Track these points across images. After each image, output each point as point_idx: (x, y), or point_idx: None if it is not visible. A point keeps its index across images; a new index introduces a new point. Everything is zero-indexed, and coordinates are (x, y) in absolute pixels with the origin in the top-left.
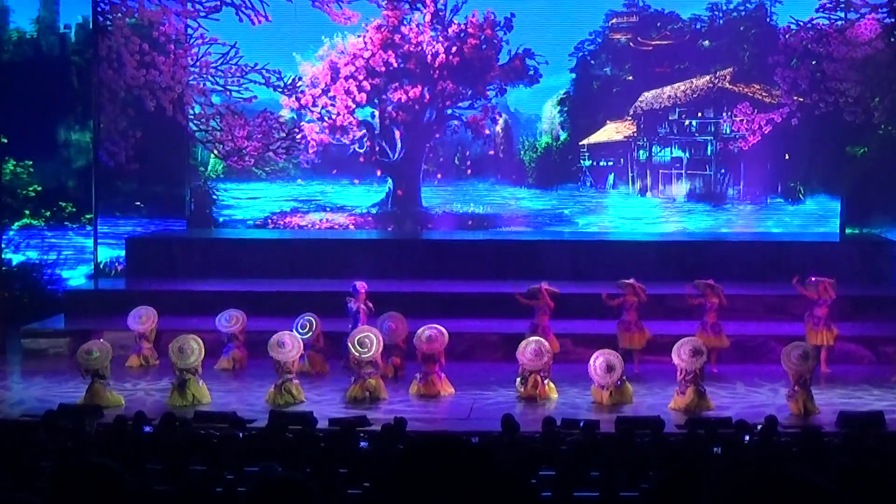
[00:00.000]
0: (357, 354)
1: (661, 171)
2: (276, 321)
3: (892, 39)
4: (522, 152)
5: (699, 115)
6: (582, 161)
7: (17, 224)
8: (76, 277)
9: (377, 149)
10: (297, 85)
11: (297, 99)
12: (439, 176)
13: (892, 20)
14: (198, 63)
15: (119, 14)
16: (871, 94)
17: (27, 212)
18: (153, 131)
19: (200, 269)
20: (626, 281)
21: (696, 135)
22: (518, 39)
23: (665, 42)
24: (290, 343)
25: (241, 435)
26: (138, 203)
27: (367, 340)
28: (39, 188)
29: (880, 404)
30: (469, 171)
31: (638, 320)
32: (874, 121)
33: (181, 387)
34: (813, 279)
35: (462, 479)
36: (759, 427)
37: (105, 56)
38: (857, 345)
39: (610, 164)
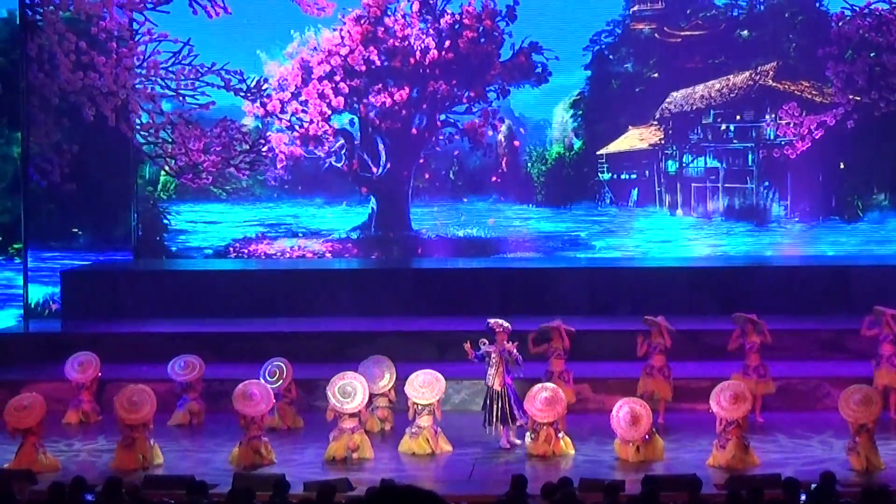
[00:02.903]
0: (338, 405)
1: (693, 184)
2: (240, 368)
3: None
4: (529, 164)
5: (738, 118)
6: (600, 174)
7: None
8: (3, 319)
9: (358, 162)
10: (263, 88)
11: (263, 104)
12: (430, 193)
13: None
14: (145, 64)
15: (51, 7)
16: None
17: None
18: (93, 145)
19: (150, 307)
20: (653, 319)
21: (735, 141)
22: (523, 31)
23: (696, 32)
24: (260, 394)
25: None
26: (76, 230)
27: (351, 388)
28: None
29: None
30: (467, 188)
31: (665, 366)
32: None
33: (129, 446)
34: (875, 313)
35: None
36: (813, 486)
37: (35, 56)
38: None
39: (633, 177)
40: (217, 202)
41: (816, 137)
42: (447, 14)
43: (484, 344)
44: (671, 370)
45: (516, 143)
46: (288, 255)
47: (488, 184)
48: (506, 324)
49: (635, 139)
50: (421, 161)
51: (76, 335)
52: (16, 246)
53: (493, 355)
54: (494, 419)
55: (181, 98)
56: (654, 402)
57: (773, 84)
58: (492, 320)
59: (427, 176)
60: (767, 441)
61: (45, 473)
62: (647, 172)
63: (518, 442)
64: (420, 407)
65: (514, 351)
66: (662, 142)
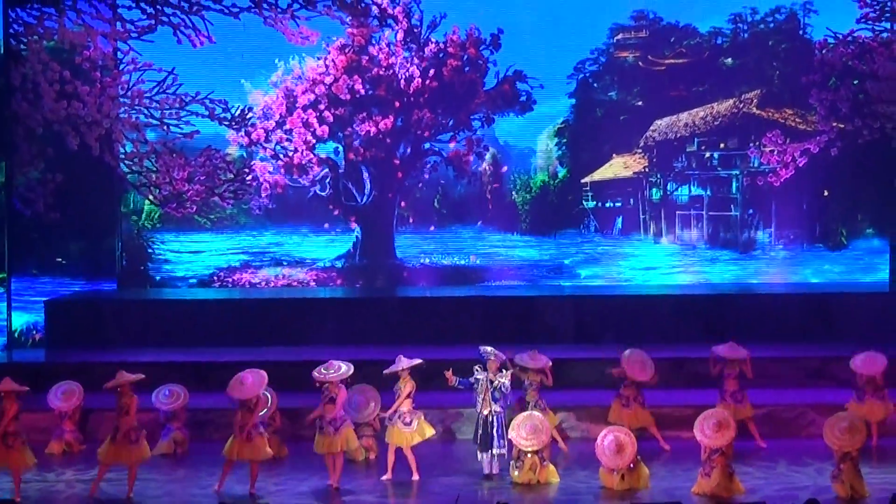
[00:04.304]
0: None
1: (677, 212)
2: (224, 397)
3: None
4: (514, 192)
5: (722, 145)
6: (584, 202)
7: None
8: None
9: (342, 191)
10: (247, 117)
11: (247, 133)
12: (414, 221)
13: None
14: (129, 93)
15: (35, 36)
16: None
17: None
18: (77, 174)
19: (134, 336)
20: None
21: (719, 169)
22: (507, 59)
23: (680, 60)
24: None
25: None
26: (60, 259)
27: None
28: None
29: None
30: (451, 216)
31: (638, 395)
32: None
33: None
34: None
35: None
36: None
37: (19, 86)
38: None
39: (617, 204)
40: (201, 231)
41: (800, 165)
42: (431, 43)
43: (477, 371)
44: (644, 397)
45: (502, 170)
46: (272, 283)
47: (473, 212)
48: (497, 353)
49: (620, 167)
50: (405, 189)
51: (60, 365)
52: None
53: (481, 382)
54: (477, 445)
55: (165, 127)
56: (642, 430)
57: (757, 112)
58: (484, 348)
59: (411, 204)
60: (752, 469)
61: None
62: (631, 200)
63: (496, 472)
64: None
65: (505, 380)
66: (647, 170)
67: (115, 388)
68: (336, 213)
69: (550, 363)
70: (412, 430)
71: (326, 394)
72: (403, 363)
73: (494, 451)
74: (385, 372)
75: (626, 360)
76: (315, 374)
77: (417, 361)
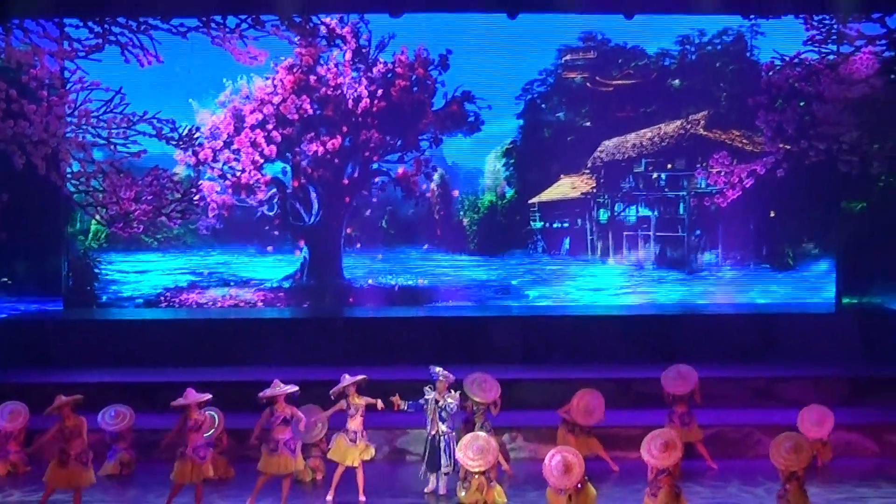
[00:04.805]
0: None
1: (625, 233)
2: (171, 417)
3: (893, 76)
4: (462, 213)
5: (669, 166)
6: (532, 223)
7: None
8: None
9: (290, 211)
10: (195, 137)
11: (195, 153)
12: (362, 242)
13: (892, 54)
14: (76, 112)
15: None
16: (870, 140)
17: None
18: (23, 193)
19: (80, 356)
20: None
21: (666, 190)
22: (455, 80)
23: (628, 82)
24: (195, 391)
25: None
26: (5, 279)
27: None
28: None
29: None
30: (399, 236)
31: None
32: (872, 171)
33: None
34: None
35: None
36: None
37: None
38: (858, 434)
39: (565, 225)
40: (148, 251)
41: (747, 186)
42: (380, 63)
43: (427, 391)
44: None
45: (450, 191)
46: (219, 304)
47: (421, 232)
48: (447, 374)
49: (567, 188)
50: (353, 209)
51: (5, 385)
52: None
53: (430, 403)
54: (424, 465)
55: (112, 147)
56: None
57: (704, 133)
58: (434, 368)
59: (359, 225)
60: (699, 489)
61: None
62: (579, 221)
63: (442, 492)
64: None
65: (451, 401)
66: (594, 190)
67: (55, 411)
68: (283, 233)
69: (499, 394)
70: (356, 447)
71: (278, 415)
72: (347, 380)
73: (442, 470)
74: (332, 392)
75: (575, 405)
76: (261, 394)
77: (361, 378)
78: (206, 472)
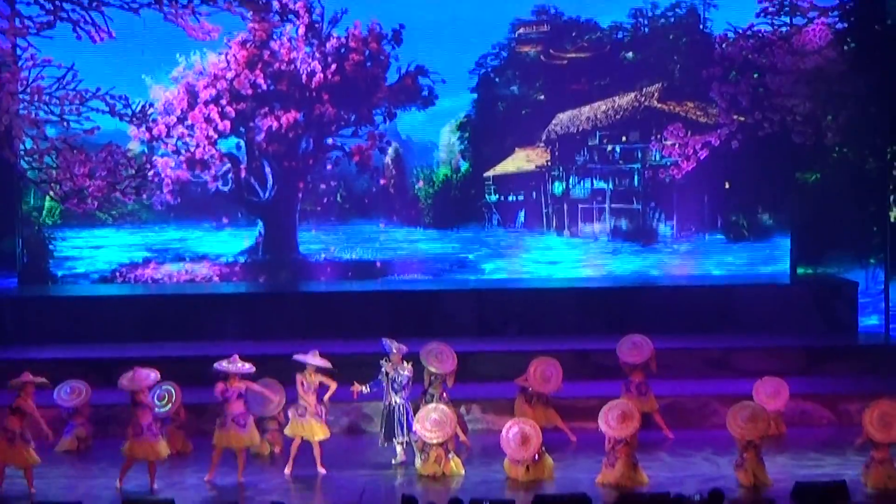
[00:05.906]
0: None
1: (580, 205)
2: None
3: (846, 48)
4: (417, 187)
5: (623, 139)
6: (487, 196)
7: None
8: None
9: (245, 186)
10: (148, 112)
11: (149, 129)
12: (317, 216)
13: (845, 25)
14: (28, 89)
15: None
16: (823, 112)
17: None
18: None
19: (35, 333)
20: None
21: (621, 162)
22: (409, 55)
23: (582, 55)
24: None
25: None
26: None
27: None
28: None
29: (842, 473)
30: (354, 210)
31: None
32: (826, 142)
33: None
34: None
35: None
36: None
37: None
38: (814, 403)
39: (520, 198)
40: (103, 227)
41: (701, 158)
42: (333, 38)
43: (382, 364)
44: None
45: (404, 165)
46: (175, 279)
47: (376, 207)
48: (400, 346)
49: (522, 161)
50: (308, 184)
51: None
52: None
53: (388, 374)
54: (382, 434)
55: (66, 123)
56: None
57: (659, 105)
58: (387, 341)
59: (314, 199)
60: (656, 459)
61: None
62: (533, 194)
63: (402, 461)
64: None
65: (405, 372)
66: (549, 163)
67: (18, 386)
68: (238, 208)
69: (455, 364)
70: (305, 422)
71: (232, 390)
72: (315, 360)
73: (397, 439)
74: (294, 357)
75: (532, 373)
76: (217, 365)
77: (327, 365)
78: (156, 452)
